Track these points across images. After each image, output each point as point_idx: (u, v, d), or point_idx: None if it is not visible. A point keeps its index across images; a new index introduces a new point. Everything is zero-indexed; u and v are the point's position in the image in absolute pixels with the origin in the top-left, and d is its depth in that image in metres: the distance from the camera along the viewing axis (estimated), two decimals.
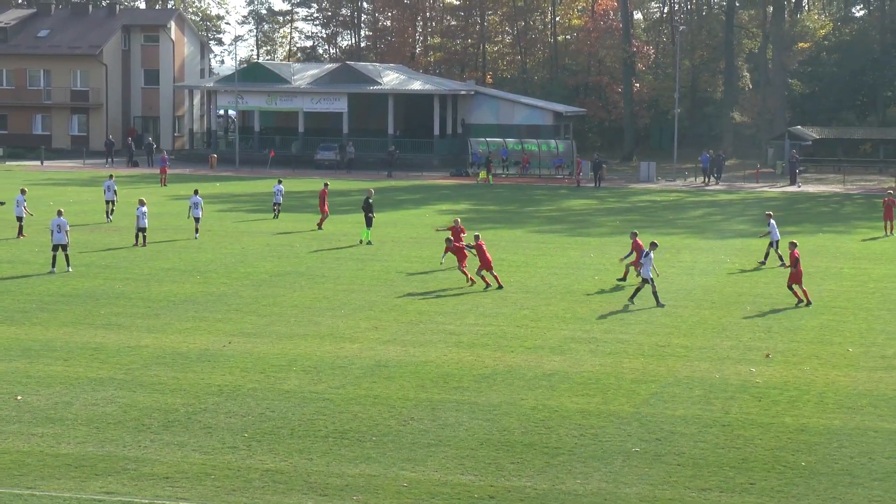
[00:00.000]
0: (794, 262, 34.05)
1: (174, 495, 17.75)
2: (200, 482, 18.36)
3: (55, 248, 38.53)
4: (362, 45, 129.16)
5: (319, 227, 50.76)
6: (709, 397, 23.71)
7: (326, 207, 52.12)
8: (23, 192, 47.73)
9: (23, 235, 46.29)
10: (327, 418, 21.89)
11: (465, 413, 22.35)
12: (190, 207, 48.48)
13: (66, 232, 38.62)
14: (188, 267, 39.99)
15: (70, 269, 38.30)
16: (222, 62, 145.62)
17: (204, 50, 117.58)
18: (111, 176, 46.78)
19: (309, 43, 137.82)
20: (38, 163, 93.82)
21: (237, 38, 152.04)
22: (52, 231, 38.60)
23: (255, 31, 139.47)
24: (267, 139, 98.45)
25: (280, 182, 58.18)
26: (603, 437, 20.94)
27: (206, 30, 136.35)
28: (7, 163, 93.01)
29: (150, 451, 19.80)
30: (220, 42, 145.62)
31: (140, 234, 44.76)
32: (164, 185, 73.43)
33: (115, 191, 53.38)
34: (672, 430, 21.41)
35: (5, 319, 30.57)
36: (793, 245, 34.65)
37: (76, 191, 69.07)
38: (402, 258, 42.72)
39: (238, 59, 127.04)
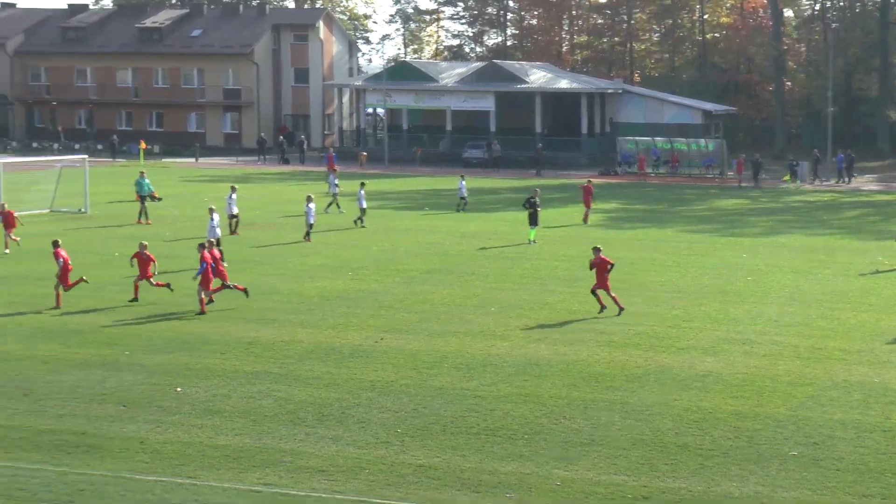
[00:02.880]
0: None
1: (329, 488, 17.95)
2: (355, 476, 18.54)
3: (211, 243, 39.18)
4: (509, 43, 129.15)
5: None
6: (868, 402, 23.20)
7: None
8: (233, 189, 48.29)
9: (237, 233, 47.02)
10: (479, 415, 21.93)
11: (616, 413, 22.21)
12: (358, 199, 51.10)
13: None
14: (340, 263, 40.43)
15: (225, 265, 38.92)
16: (370, 61, 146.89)
17: (352, 49, 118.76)
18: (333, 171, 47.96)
19: (455, 41, 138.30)
20: (193, 160, 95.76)
21: (384, 37, 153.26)
22: (212, 227, 39.33)
23: (401, 29, 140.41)
24: (415, 137, 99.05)
25: (463, 178, 59.08)
26: (758, 440, 20.62)
27: (353, 29, 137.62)
28: (163, 160, 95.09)
29: (305, 445, 20.06)
30: (367, 41, 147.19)
31: (308, 230, 45.54)
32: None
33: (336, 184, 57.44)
34: (830, 434, 20.99)
35: (163, 313, 31.23)
36: None
37: (228, 188, 70.18)
38: (552, 256, 42.61)
39: (386, 57, 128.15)
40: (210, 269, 31.60)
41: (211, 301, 31.93)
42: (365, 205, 51.38)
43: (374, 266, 39.97)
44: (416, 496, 17.71)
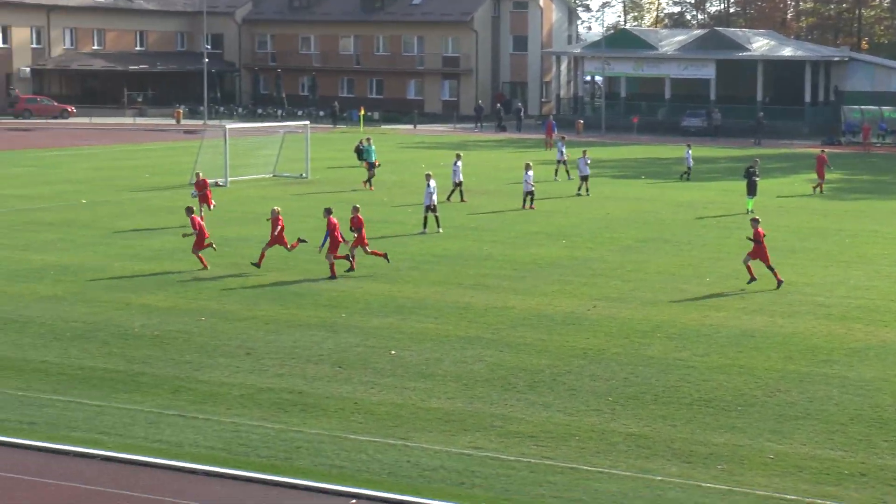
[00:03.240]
0: None
1: (539, 454, 18.02)
2: (565, 442, 18.58)
3: (427, 209, 39.69)
4: (731, 10, 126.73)
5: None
6: None
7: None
8: (458, 157, 48.70)
9: (464, 200, 47.33)
10: (691, 386, 21.71)
11: (834, 387, 21.69)
12: (578, 166, 51.23)
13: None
14: (554, 231, 40.46)
15: (440, 230, 39.41)
16: (589, 28, 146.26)
17: (571, 16, 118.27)
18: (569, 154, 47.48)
19: (676, 9, 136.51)
20: (411, 127, 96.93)
21: (605, 5, 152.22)
22: (428, 193, 39.73)
23: None
24: (632, 105, 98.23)
25: (689, 147, 58.52)
26: None
27: None
28: (382, 126, 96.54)
29: (516, 410, 20.19)
30: (587, 8, 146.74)
31: (528, 197, 45.58)
32: (549, 149, 74.53)
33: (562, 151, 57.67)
34: None
35: (380, 276, 31.79)
36: None
37: (445, 154, 70.93)
38: (770, 227, 41.67)
39: (605, 25, 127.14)
40: (339, 235, 31.70)
41: (351, 269, 32.06)
42: (588, 171, 51.26)
43: (589, 234, 39.86)
44: (625, 464, 17.66)
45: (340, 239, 31.84)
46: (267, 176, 56.45)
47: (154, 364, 22.71)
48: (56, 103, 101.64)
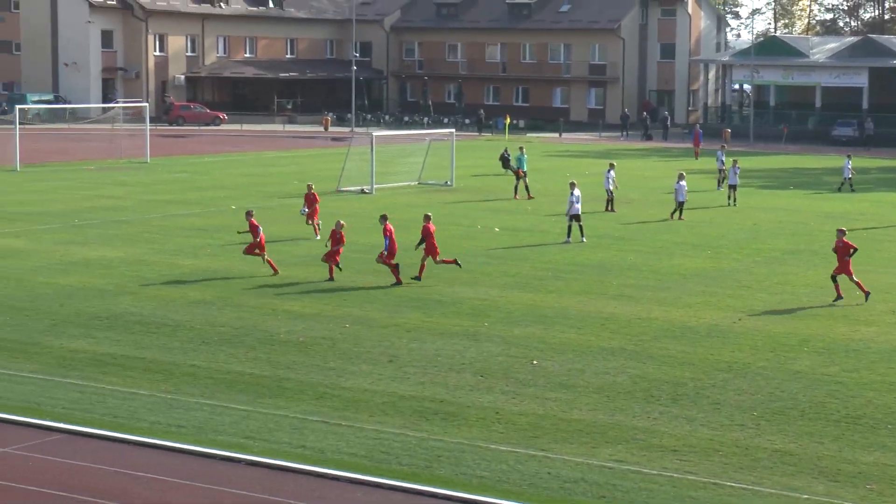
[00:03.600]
0: None
1: (681, 468, 17.84)
2: (708, 457, 18.35)
3: (571, 218, 39.54)
4: (886, 17, 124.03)
5: None
6: None
7: None
8: (611, 166, 48.48)
9: (612, 210, 47.15)
10: (839, 402, 21.28)
11: None
12: (728, 175, 50.88)
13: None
14: (699, 241, 40.02)
15: (584, 240, 39.25)
16: (738, 36, 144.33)
17: (720, 23, 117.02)
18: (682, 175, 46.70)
19: (829, 16, 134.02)
20: (557, 135, 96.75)
21: (754, 12, 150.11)
22: (571, 202, 39.59)
23: (772, 3, 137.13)
24: (781, 114, 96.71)
25: (849, 158, 57.22)
26: None
27: (722, 3, 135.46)
28: (528, 134, 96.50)
29: (658, 423, 20.00)
30: (736, 16, 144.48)
31: (679, 208, 45.13)
32: (697, 158, 73.87)
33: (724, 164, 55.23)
34: None
35: (523, 286, 31.78)
36: None
37: (590, 163, 70.71)
38: None
39: (754, 32, 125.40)
40: (394, 241, 31.61)
41: (418, 278, 31.93)
42: (737, 181, 50.63)
43: (735, 245, 39.34)
44: (770, 481, 17.37)
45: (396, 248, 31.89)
46: (412, 183, 56.85)
47: (299, 370, 23.02)
48: (208, 110, 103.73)
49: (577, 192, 39.37)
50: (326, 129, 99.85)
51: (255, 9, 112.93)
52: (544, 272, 33.81)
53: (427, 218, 32.55)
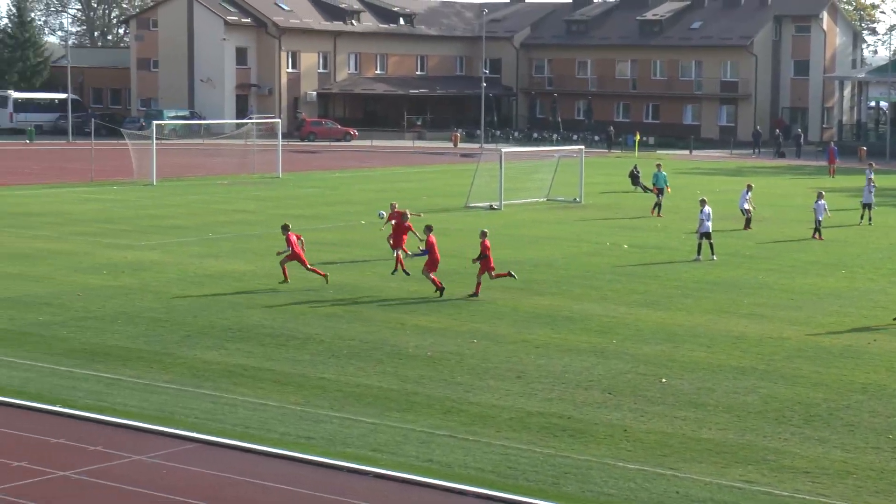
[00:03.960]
0: None
1: (813, 490, 17.52)
2: (841, 480, 18.00)
3: (701, 236, 39.16)
4: None
5: None
6: None
7: None
8: (749, 187, 47.78)
9: (749, 228, 46.49)
10: None
11: None
12: (863, 194, 50.15)
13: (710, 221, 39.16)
14: (833, 260, 39.35)
15: (714, 258, 38.82)
16: (875, 52, 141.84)
17: (856, 40, 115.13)
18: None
19: None
20: (687, 152, 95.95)
21: (892, 28, 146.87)
22: (701, 220, 39.19)
23: None
24: None
25: None
26: None
27: (858, 19, 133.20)
28: (657, 151, 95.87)
29: (790, 444, 19.68)
30: (873, 32, 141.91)
31: (818, 227, 44.39)
32: (833, 176, 72.70)
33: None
34: None
35: (652, 303, 31.54)
36: None
37: (721, 180, 69.98)
38: None
39: (892, 48, 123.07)
40: (435, 252, 31.87)
41: (475, 294, 31.88)
42: (872, 200, 49.70)
43: (870, 264, 38.61)
44: None
45: (438, 257, 32.17)
46: (540, 200, 56.79)
47: (427, 384, 23.11)
48: (339, 126, 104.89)
49: (707, 209, 38.98)
50: (456, 145, 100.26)
51: (386, 26, 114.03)
52: (673, 290, 33.52)
53: (483, 234, 32.58)
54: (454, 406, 21.63)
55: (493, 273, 32.31)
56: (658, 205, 51.73)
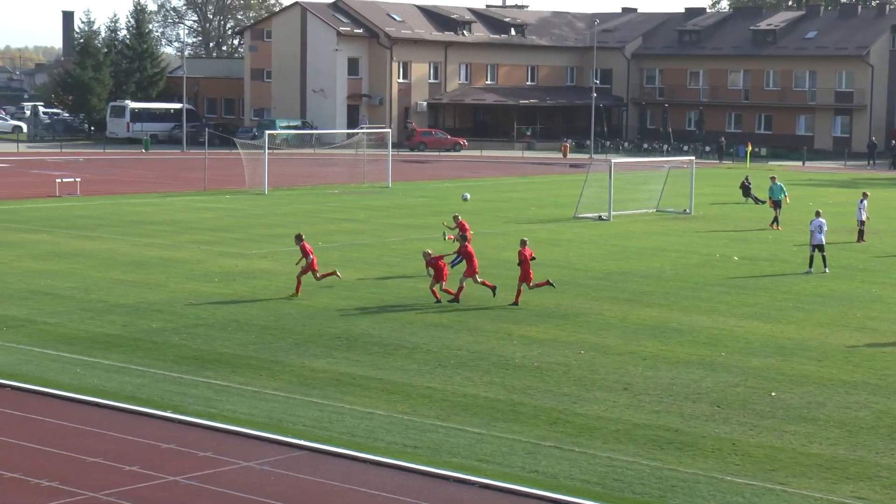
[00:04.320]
0: None
1: None
2: None
3: (813, 248, 38.63)
4: None
5: None
6: None
7: None
8: (864, 195, 47.05)
9: (863, 240, 45.83)
10: None
11: None
12: None
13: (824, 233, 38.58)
14: None
15: (826, 271, 38.27)
16: None
17: None
18: None
19: None
20: (800, 163, 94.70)
21: None
22: (813, 232, 38.65)
23: None
24: None
25: None
26: None
27: None
28: (769, 162, 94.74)
29: None
30: None
31: None
32: None
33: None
34: None
35: (762, 316, 31.18)
36: None
37: (835, 192, 68.97)
38: None
39: None
40: (472, 260, 32.02)
41: (515, 303, 31.92)
42: None
43: None
44: None
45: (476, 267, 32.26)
46: (650, 211, 56.44)
47: (533, 395, 23.10)
48: (449, 136, 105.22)
49: (820, 220, 38.45)
50: (565, 155, 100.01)
51: (496, 37, 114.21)
52: (784, 302, 33.12)
53: (523, 243, 32.45)
54: (560, 417, 21.59)
55: (531, 283, 32.36)
56: (776, 219, 50.90)
